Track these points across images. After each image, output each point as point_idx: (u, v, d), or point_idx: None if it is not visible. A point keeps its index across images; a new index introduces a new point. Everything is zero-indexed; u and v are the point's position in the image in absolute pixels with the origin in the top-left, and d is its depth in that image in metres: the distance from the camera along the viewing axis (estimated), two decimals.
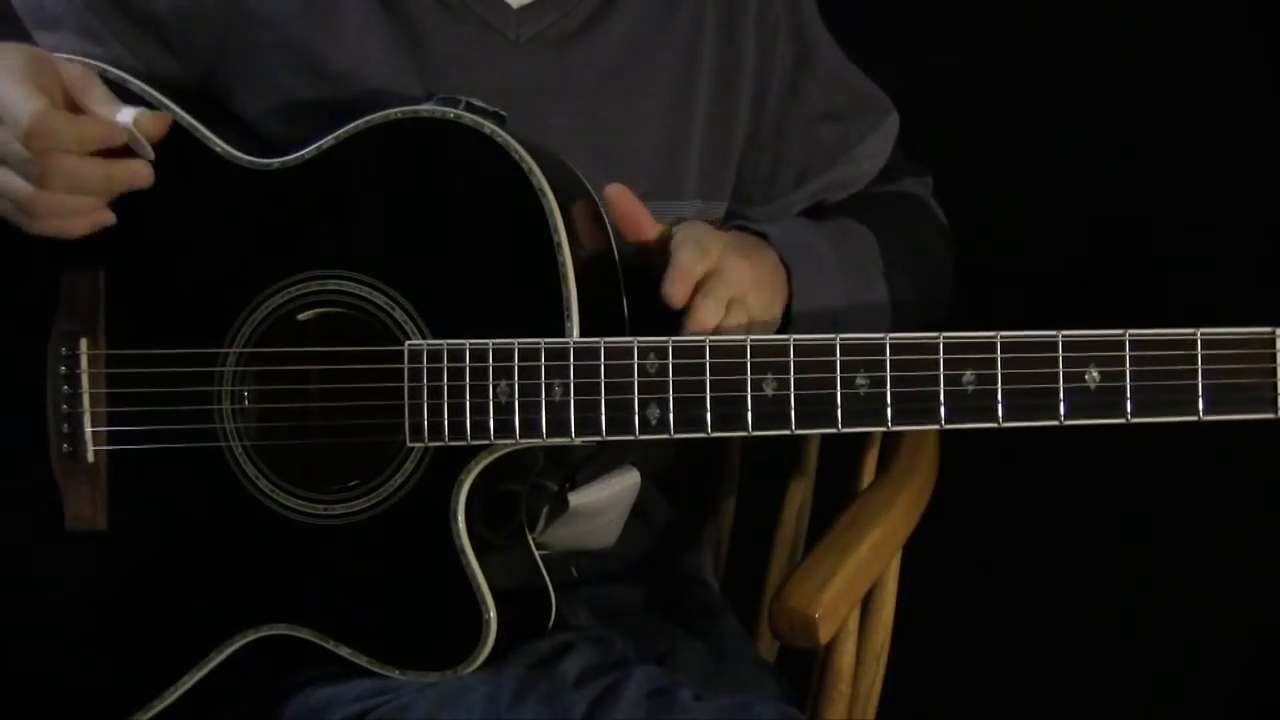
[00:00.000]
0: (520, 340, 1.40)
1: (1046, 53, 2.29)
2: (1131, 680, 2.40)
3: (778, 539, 1.84)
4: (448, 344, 1.41)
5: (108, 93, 1.43)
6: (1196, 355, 1.35)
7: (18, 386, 1.48)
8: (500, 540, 1.48)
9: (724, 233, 1.52)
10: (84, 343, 1.48)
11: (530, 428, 1.41)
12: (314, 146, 1.46)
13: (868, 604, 1.63)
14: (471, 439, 1.41)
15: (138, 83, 1.49)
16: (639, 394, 1.39)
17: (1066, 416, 1.37)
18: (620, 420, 1.40)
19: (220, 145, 1.48)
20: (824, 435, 1.79)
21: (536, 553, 1.51)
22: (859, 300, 1.60)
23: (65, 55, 1.49)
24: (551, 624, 1.52)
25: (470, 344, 1.41)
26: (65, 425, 1.48)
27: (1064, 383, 1.36)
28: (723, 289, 1.44)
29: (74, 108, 1.42)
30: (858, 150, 1.73)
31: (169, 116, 1.44)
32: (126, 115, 1.41)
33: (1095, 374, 1.36)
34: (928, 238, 1.76)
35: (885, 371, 1.37)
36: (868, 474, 1.72)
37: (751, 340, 1.39)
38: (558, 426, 1.40)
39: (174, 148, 1.47)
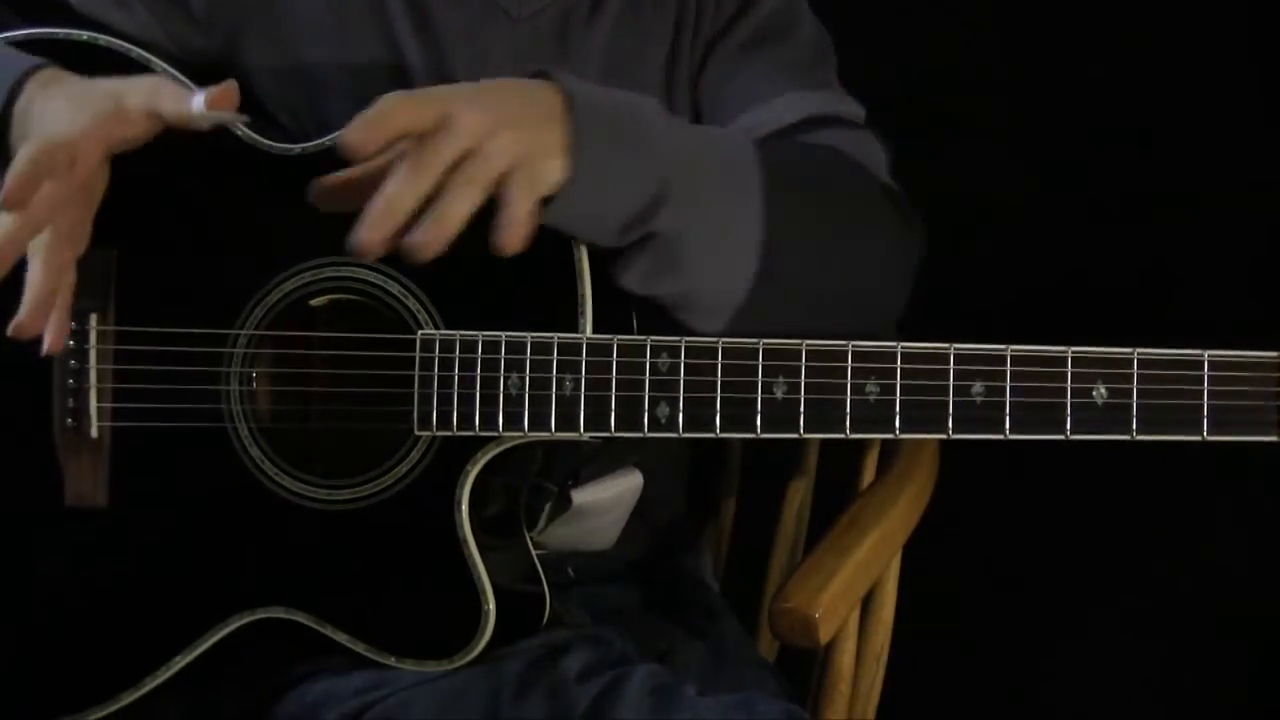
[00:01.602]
0: (533, 334, 1.40)
1: (1051, 54, 2.29)
2: (1132, 680, 2.41)
3: (778, 539, 1.85)
4: (460, 334, 1.42)
5: (177, 90, 1.39)
6: (1203, 376, 1.36)
7: (24, 360, 1.47)
8: (499, 537, 1.49)
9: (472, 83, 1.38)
10: (93, 318, 1.47)
11: (539, 421, 1.41)
12: (333, 135, 1.45)
13: (868, 604, 1.63)
14: (480, 430, 1.42)
15: (160, 64, 1.49)
16: (649, 392, 1.40)
17: (1072, 431, 1.37)
18: (629, 417, 1.40)
19: (241, 129, 1.48)
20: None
21: (534, 550, 1.52)
22: (698, 203, 1.41)
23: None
24: (546, 621, 1.52)
25: (483, 335, 1.41)
26: (70, 400, 1.48)
27: (1071, 398, 1.37)
28: (443, 147, 1.30)
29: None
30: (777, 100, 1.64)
31: (232, 86, 1.38)
32: (198, 103, 1.38)
33: (1103, 390, 1.37)
34: (846, 181, 1.55)
35: (895, 379, 1.38)
36: (868, 474, 1.72)
37: (764, 343, 1.39)
38: (566, 421, 1.41)
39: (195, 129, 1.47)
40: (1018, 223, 2.26)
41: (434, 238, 1.29)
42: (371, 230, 1.29)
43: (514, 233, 1.32)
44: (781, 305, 1.45)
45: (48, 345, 1.39)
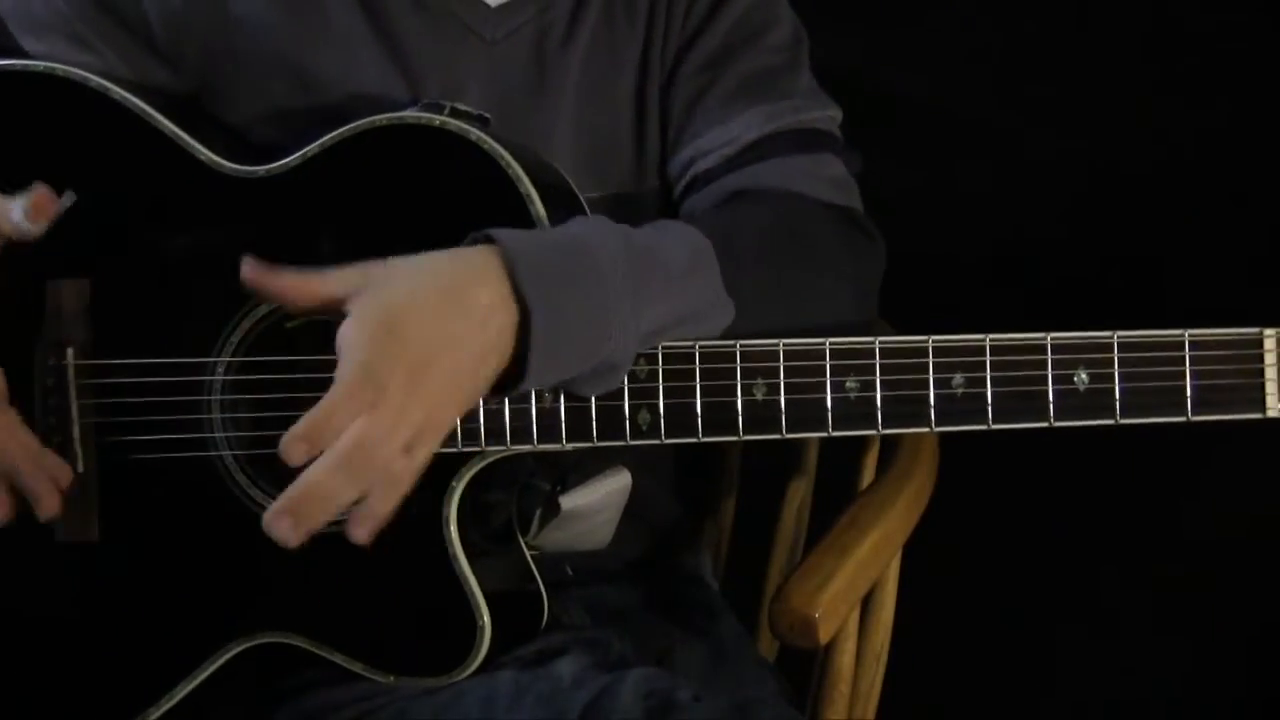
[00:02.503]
0: None
1: (1045, 53, 2.28)
2: (1132, 679, 2.40)
3: (778, 539, 1.83)
4: None
5: None
6: (1184, 356, 1.36)
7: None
8: (492, 544, 1.48)
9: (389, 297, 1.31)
10: (70, 352, 1.47)
11: (521, 434, 1.40)
12: (299, 154, 1.45)
13: (868, 604, 1.62)
14: (462, 445, 1.41)
15: (120, 91, 1.48)
16: (629, 399, 1.39)
17: (1056, 418, 1.37)
18: (611, 425, 1.40)
19: (205, 154, 1.47)
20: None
21: (529, 555, 1.52)
22: (678, 318, 1.40)
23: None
24: (544, 625, 1.52)
25: None
26: (54, 436, 1.47)
27: (1053, 384, 1.37)
28: (381, 447, 1.29)
29: None
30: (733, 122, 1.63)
31: (52, 202, 1.38)
32: (18, 217, 1.37)
33: (1084, 375, 1.37)
34: (795, 248, 1.54)
35: (875, 375, 1.38)
36: (868, 474, 1.70)
37: (741, 345, 1.39)
38: (549, 433, 1.40)
39: (159, 156, 1.47)
40: (995, 214, 2.26)
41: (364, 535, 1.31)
42: (296, 529, 1.29)
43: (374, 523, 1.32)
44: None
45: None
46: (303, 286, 1.31)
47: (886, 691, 1.68)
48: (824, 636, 1.46)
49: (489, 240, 1.34)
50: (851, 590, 1.52)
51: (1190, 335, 1.36)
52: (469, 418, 1.40)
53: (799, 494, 1.84)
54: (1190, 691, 2.39)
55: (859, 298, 1.56)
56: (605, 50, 1.62)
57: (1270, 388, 1.36)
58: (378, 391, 1.28)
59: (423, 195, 1.44)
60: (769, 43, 1.65)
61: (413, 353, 1.29)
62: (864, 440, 1.72)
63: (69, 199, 1.39)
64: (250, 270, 1.31)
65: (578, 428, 1.40)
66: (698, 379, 1.39)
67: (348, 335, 1.29)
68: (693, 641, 1.65)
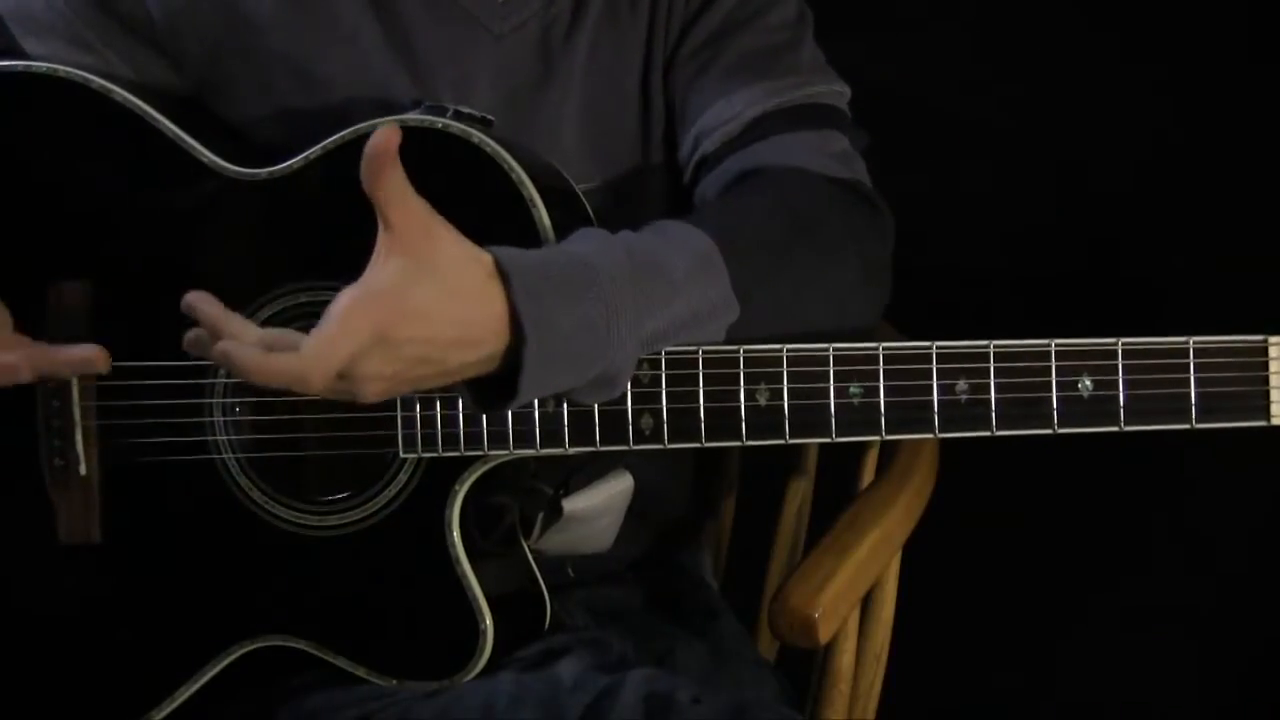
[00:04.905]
0: None
1: (1047, 55, 2.28)
2: (1131, 679, 2.40)
3: (778, 539, 1.84)
4: None
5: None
6: (1189, 364, 1.36)
7: (8, 399, 1.46)
8: (495, 547, 1.48)
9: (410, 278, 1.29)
10: None
11: (524, 438, 1.40)
12: (302, 156, 1.45)
13: (868, 604, 1.62)
14: (465, 450, 1.41)
15: (122, 93, 1.48)
16: (632, 404, 1.39)
17: (1060, 425, 1.37)
18: (614, 430, 1.40)
19: (208, 155, 1.47)
20: None
21: (531, 558, 1.52)
22: (685, 320, 1.39)
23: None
24: (547, 627, 1.52)
25: None
26: (56, 439, 1.48)
27: (1057, 391, 1.37)
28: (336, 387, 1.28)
29: None
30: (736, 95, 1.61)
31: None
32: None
33: (1088, 383, 1.36)
34: (803, 230, 1.51)
35: (879, 381, 1.38)
36: (868, 474, 1.71)
37: (744, 351, 1.38)
38: (551, 437, 1.40)
39: (161, 158, 1.47)
40: (1000, 220, 2.25)
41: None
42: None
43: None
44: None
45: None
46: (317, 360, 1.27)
47: (886, 691, 1.68)
48: (824, 636, 1.46)
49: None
50: (851, 590, 1.52)
51: (1195, 343, 1.36)
52: (472, 422, 1.40)
53: (799, 494, 1.84)
54: (1190, 692, 2.39)
55: (870, 271, 1.53)
56: (610, 39, 1.61)
57: (1275, 395, 1.36)
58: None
59: (426, 197, 1.43)
60: (772, 21, 1.64)
61: (401, 352, 1.28)
62: (864, 441, 1.72)
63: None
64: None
65: (581, 432, 1.40)
66: (701, 384, 1.38)
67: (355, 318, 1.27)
68: (693, 641, 1.66)
